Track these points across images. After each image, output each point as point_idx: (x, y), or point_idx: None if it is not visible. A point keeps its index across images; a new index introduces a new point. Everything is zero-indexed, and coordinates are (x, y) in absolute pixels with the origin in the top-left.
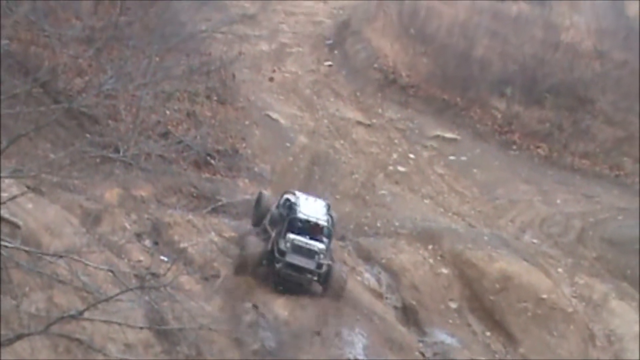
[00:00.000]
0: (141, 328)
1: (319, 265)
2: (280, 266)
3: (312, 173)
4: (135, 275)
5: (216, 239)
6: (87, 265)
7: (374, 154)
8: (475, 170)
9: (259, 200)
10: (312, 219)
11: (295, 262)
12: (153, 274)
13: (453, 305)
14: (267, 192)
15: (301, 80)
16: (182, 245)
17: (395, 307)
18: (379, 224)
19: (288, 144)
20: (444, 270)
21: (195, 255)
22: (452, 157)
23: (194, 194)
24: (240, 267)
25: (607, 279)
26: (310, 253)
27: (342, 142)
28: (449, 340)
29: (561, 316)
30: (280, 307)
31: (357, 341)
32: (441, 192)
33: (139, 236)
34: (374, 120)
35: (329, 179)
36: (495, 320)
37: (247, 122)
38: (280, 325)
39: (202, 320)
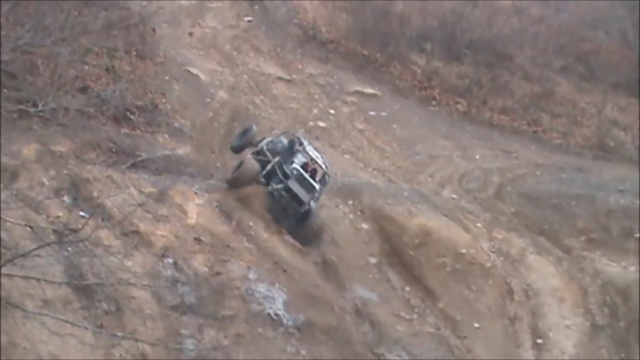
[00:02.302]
0: (60, 283)
1: (310, 201)
2: (279, 187)
3: (232, 128)
4: (54, 231)
5: (136, 194)
6: (5, 221)
7: (294, 109)
8: (395, 126)
9: (246, 131)
10: (319, 161)
11: (294, 189)
12: (72, 230)
13: (373, 260)
14: (255, 127)
15: (221, 36)
16: (101, 200)
17: (316, 263)
18: None
19: (208, 100)
20: (364, 226)
21: (115, 211)
22: (372, 113)
23: (113, 150)
24: (235, 182)
25: (524, 233)
26: (309, 187)
27: (262, 97)
28: (368, 295)
29: (479, 271)
30: (200, 262)
31: (277, 296)
32: (361, 147)
33: (57, 192)
34: (294, 76)
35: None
36: (415, 275)
37: (166, 78)
38: (200, 281)
39: (121, 275)
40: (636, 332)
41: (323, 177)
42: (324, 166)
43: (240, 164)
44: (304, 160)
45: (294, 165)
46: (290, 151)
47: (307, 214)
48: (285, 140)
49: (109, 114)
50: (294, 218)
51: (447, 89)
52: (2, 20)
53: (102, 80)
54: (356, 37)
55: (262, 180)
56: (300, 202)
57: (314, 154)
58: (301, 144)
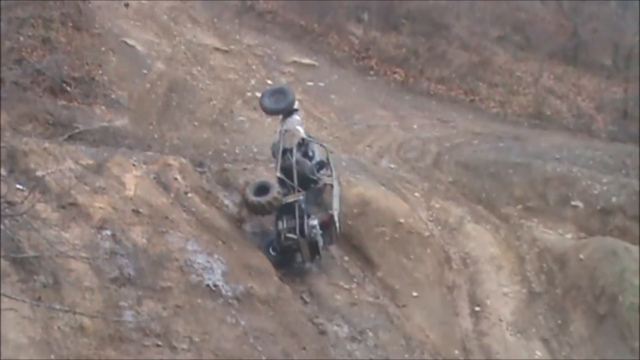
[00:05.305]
0: None
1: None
2: (290, 237)
3: (170, 100)
4: None
5: (73, 166)
6: None
7: (231, 80)
8: (333, 96)
9: (283, 92)
10: (337, 221)
11: (303, 249)
12: (9, 203)
13: None
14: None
15: (158, 7)
16: (38, 173)
17: (254, 233)
18: (237, 151)
19: (145, 71)
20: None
21: (52, 183)
22: (309, 83)
23: (50, 122)
24: (256, 209)
25: (462, 202)
26: (316, 250)
27: (199, 68)
28: (307, 265)
29: (418, 240)
30: (138, 234)
31: (216, 267)
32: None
33: None
34: (232, 47)
35: (186, 106)
36: (353, 244)
37: (103, 49)
38: (138, 253)
39: (59, 248)
40: (572, 299)
41: (332, 237)
42: (338, 223)
43: (265, 187)
44: (323, 215)
45: (315, 222)
46: (318, 192)
47: (300, 265)
48: (317, 157)
49: (45, 85)
50: (284, 259)
51: (385, 58)
52: None
53: (37, 51)
54: (294, 7)
55: (275, 213)
56: (302, 259)
57: (337, 204)
58: (330, 174)
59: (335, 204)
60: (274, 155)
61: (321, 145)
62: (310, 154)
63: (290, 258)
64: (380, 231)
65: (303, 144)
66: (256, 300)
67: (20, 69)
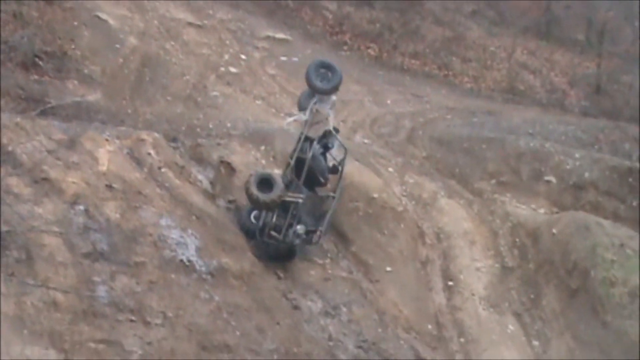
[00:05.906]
0: None
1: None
2: (273, 237)
3: (143, 75)
4: None
5: (46, 141)
6: None
7: (205, 55)
8: None
9: (330, 68)
10: (320, 236)
11: (281, 253)
12: None
13: None
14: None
15: None
16: (10, 148)
17: (228, 209)
18: (211, 126)
19: (118, 46)
20: (276, 171)
21: (24, 158)
22: (283, 58)
23: (22, 96)
24: (252, 202)
25: (436, 177)
26: (293, 254)
27: (172, 43)
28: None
29: (392, 215)
30: (111, 209)
31: (189, 242)
32: (273, 93)
33: None
34: (205, 21)
35: (160, 81)
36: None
37: (75, 23)
38: (112, 228)
39: (32, 222)
40: (545, 273)
41: (310, 243)
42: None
43: (269, 182)
44: (311, 227)
45: (301, 232)
46: (319, 200)
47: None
48: (334, 152)
49: (17, 60)
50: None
51: (359, 34)
52: None
53: (9, 26)
54: None
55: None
56: (276, 253)
57: (330, 214)
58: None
59: (327, 220)
60: (300, 107)
61: (342, 146)
62: (330, 145)
63: (266, 246)
64: (354, 206)
65: (326, 135)
66: (230, 275)
67: None
